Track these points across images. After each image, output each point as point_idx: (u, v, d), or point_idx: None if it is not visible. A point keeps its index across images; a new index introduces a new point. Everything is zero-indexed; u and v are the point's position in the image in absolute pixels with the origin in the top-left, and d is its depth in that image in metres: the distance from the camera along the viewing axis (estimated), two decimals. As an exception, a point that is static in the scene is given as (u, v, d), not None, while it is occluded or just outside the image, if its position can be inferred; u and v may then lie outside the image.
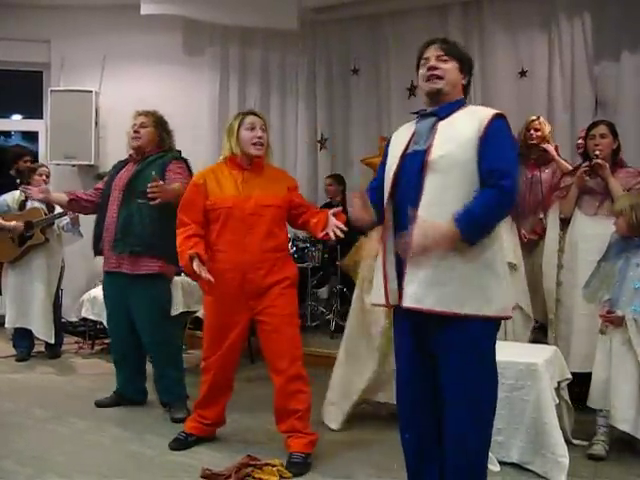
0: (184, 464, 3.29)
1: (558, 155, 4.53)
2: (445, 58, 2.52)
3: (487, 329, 2.40)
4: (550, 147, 4.49)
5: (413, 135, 2.53)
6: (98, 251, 4.09)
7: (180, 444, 3.50)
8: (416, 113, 2.62)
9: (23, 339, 5.50)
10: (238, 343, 3.43)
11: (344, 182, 6.72)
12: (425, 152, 2.40)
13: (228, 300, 3.32)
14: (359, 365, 3.84)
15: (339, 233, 3.11)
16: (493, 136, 2.36)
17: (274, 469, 3.13)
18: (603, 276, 3.50)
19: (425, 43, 2.61)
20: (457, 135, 2.40)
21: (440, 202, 2.34)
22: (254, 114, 3.46)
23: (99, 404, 4.12)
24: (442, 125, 2.45)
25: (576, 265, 3.98)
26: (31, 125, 7.53)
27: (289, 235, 6.00)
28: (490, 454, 3.19)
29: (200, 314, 4.92)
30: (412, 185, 2.40)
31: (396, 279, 2.43)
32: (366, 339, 3.83)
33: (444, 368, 2.40)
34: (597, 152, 3.96)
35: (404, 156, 2.49)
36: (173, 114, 6.81)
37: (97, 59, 6.97)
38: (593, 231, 3.87)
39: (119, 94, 6.92)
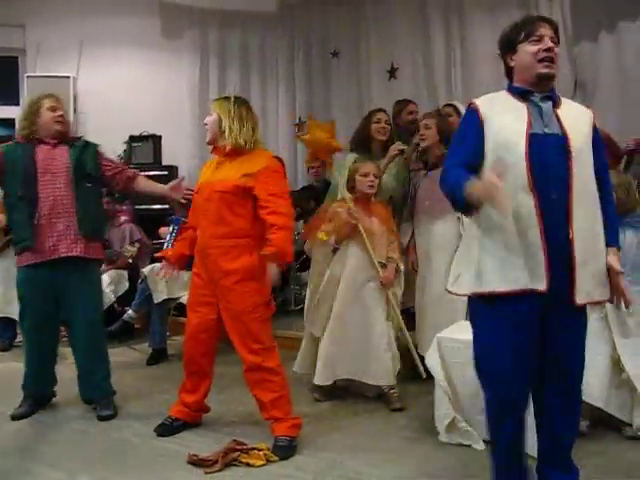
0: (170, 450, 3.30)
1: None
2: (555, 41, 2.45)
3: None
4: None
5: (530, 114, 2.40)
6: (31, 241, 3.65)
7: (166, 429, 3.50)
8: (519, 91, 2.46)
9: (7, 329, 5.46)
10: (205, 326, 3.39)
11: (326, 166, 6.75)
12: (564, 138, 2.38)
13: (196, 282, 3.42)
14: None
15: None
16: (598, 138, 2.48)
17: (260, 453, 3.14)
18: None
19: (531, 18, 2.53)
20: (581, 127, 2.43)
21: (586, 194, 2.39)
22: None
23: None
24: (561, 113, 2.43)
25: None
26: (7, 112, 7.41)
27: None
28: (474, 433, 3.26)
29: (184, 300, 4.91)
30: (554, 171, 2.35)
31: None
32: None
33: (567, 351, 2.48)
34: None
35: (531, 135, 2.37)
36: (153, 98, 6.86)
37: (74, 44, 6.87)
38: None
39: (97, 79, 6.85)
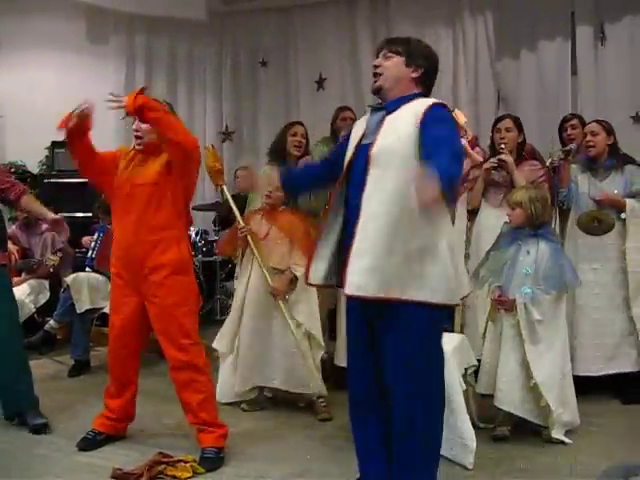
0: (93, 465, 3.20)
1: (472, 147, 4.61)
2: (389, 55, 2.60)
3: (429, 316, 2.47)
4: (463, 141, 4.50)
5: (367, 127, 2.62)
6: None
7: (89, 444, 3.40)
8: (370, 107, 2.71)
9: None
10: (128, 328, 3.34)
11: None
12: (370, 146, 2.50)
13: (117, 283, 3.35)
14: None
15: None
16: (431, 121, 2.41)
17: (187, 465, 3.09)
18: (492, 264, 3.64)
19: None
20: (398, 129, 2.47)
21: (378, 196, 2.43)
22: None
23: None
24: (388, 119, 2.53)
25: (480, 255, 4.10)
26: None
27: (198, 228, 6.01)
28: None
29: (107, 310, 4.80)
30: (359, 178, 2.50)
31: (329, 260, 2.63)
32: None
33: (385, 353, 2.51)
34: (502, 145, 4.09)
35: (357, 148, 2.60)
36: (76, 104, 6.66)
37: (-7, 45, 6.64)
38: (497, 222, 4.00)
39: (18, 82, 6.64)
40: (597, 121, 4.23)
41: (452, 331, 3.78)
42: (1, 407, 3.76)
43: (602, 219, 4.08)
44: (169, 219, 3.25)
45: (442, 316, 2.57)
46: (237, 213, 3.94)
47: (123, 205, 3.29)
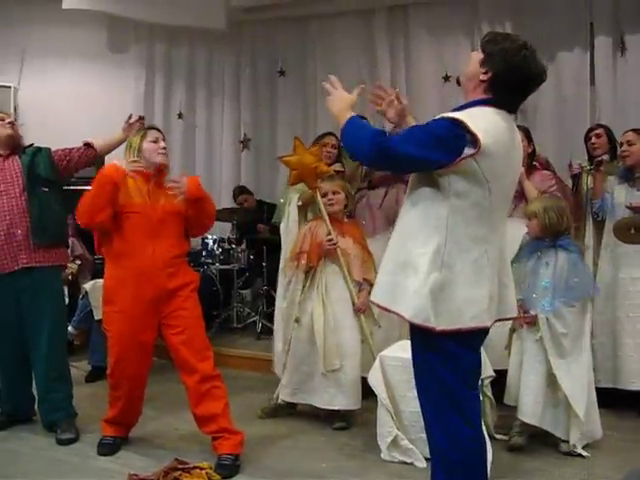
0: (110, 470, 3.23)
1: None
2: (477, 50, 2.33)
3: (422, 333, 2.25)
4: None
5: None
6: None
7: (109, 449, 3.44)
8: None
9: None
10: (150, 349, 3.43)
11: (249, 190, 6.78)
12: None
13: (138, 307, 3.29)
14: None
15: None
16: None
17: (203, 472, 3.10)
18: (515, 276, 3.60)
19: None
20: None
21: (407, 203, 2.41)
22: (155, 129, 3.58)
23: None
24: None
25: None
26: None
27: (215, 237, 6.06)
28: (416, 450, 3.30)
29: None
30: None
31: None
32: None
33: None
34: None
35: None
36: (97, 111, 6.75)
37: (16, 53, 6.70)
38: (508, 232, 3.98)
39: (40, 90, 6.71)
40: (634, 130, 4.17)
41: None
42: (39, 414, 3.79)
43: (638, 226, 4.02)
44: (188, 246, 3.59)
45: (436, 338, 2.22)
46: (329, 224, 3.84)
47: (151, 229, 3.32)
